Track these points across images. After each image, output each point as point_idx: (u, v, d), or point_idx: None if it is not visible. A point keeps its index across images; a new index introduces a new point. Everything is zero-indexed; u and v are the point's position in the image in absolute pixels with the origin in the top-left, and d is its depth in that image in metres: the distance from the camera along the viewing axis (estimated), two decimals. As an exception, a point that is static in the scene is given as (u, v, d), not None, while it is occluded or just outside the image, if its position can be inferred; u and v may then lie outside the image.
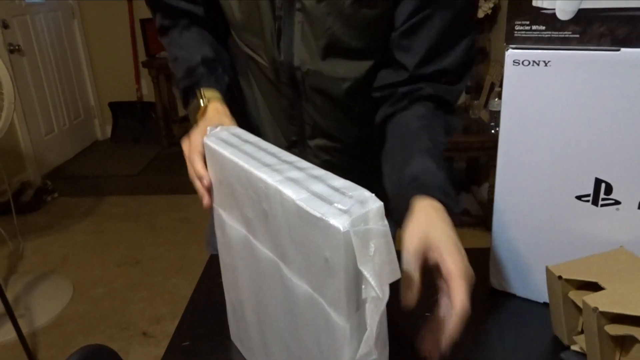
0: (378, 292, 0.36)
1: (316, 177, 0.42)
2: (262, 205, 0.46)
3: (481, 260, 0.76)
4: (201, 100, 0.72)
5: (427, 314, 0.72)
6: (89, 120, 3.98)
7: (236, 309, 0.63)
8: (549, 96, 0.63)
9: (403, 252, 0.49)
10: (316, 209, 0.37)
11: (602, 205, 0.64)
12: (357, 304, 0.38)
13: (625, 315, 0.52)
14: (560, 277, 0.61)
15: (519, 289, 0.74)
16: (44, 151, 3.41)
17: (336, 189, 0.40)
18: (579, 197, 0.65)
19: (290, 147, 0.85)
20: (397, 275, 0.38)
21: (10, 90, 1.78)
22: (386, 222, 0.38)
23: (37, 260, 2.44)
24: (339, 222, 0.35)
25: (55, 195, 3.15)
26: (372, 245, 0.36)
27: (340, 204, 0.37)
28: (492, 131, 2.17)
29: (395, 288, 0.40)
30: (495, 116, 2.17)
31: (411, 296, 0.48)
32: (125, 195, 3.11)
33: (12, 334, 1.84)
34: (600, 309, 0.53)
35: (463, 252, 0.50)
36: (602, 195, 0.64)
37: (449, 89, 0.71)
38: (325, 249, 0.37)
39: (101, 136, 4.03)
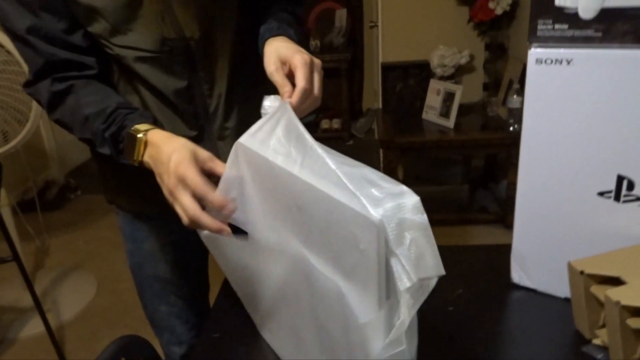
0: (414, 281, 0.38)
1: (351, 169, 0.44)
2: (295, 202, 0.48)
3: (503, 256, 0.78)
4: (139, 135, 0.66)
5: (450, 308, 0.73)
6: (109, 119, 4.04)
7: (257, 304, 0.64)
8: (572, 94, 0.64)
9: (267, 70, 0.68)
10: (350, 201, 0.39)
11: (624, 202, 0.65)
12: (387, 293, 0.40)
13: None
14: (582, 272, 0.62)
15: (541, 284, 0.75)
16: (67, 150, 3.48)
17: (370, 182, 0.41)
18: (601, 194, 0.66)
19: (196, 135, 0.82)
20: (440, 271, 0.40)
21: (37, 90, 1.82)
22: (424, 215, 0.40)
23: (63, 256, 2.50)
24: (373, 212, 0.37)
25: (79, 192, 3.21)
26: (408, 235, 0.38)
27: (375, 195, 0.39)
28: (510, 128, 2.16)
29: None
30: (514, 113, 2.16)
31: (286, 91, 0.64)
32: (146, 192, 3.16)
33: (40, 328, 1.89)
34: (623, 303, 0.54)
35: (304, 52, 0.68)
36: (624, 192, 0.65)
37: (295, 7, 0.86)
38: (360, 240, 0.39)
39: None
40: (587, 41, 0.62)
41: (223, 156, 0.57)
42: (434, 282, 0.40)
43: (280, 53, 0.68)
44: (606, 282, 0.61)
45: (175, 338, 0.96)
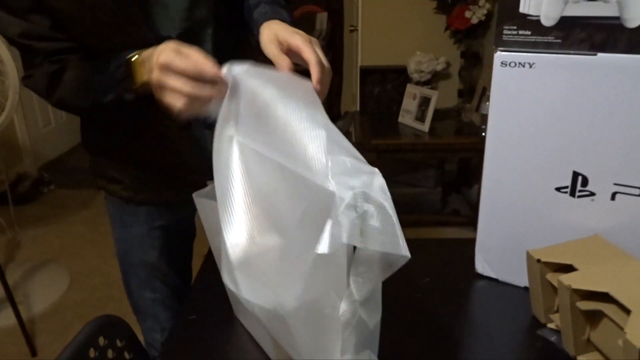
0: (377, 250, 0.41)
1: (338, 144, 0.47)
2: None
3: (469, 249, 0.82)
4: (134, 58, 0.67)
5: (417, 295, 0.77)
6: (86, 114, 4.00)
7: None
8: (533, 96, 0.69)
9: (265, 50, 0.70)
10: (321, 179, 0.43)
11: (579, 197, 0.70)
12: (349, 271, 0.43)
13: (595, 293, 0.58)
14: (539, 260, 0.67)
15: (502, 274, 0.80)
16: (41, 143, 3.43)
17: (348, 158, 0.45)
18: (558, 189, 0.71)
19: (185, 125, 0.83)
20: (399, 249, 0.43)
21: (15, 81, 1.82)
22: (388, 195, 0.43)
23: (35, 249, 2.47)
24: (341, 189, 0.41)
25: (52, 187, 3.17)
26: (373, 211, 0.41)
27: (348, 170, 0.43)
28: (483, 134, 2.23)
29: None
30: (486, 119, 2.23)
31: (284, 63, 0.66)
32: (122, 188, 3.14)
33: (11, 320, 1.87)
34: (573, 287, 0.59)
35: (302, 33, 0.69)
36: (579, 187, 0.70)
37: None
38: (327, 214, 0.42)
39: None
40: (548, 46, 0.67)
41: (210, 145, 0.60)
42: (396, 266, 0.43)
43: (278, 34, 0.70)
44: (561, 270, 0.66)
45: (158, 325, 0.98)
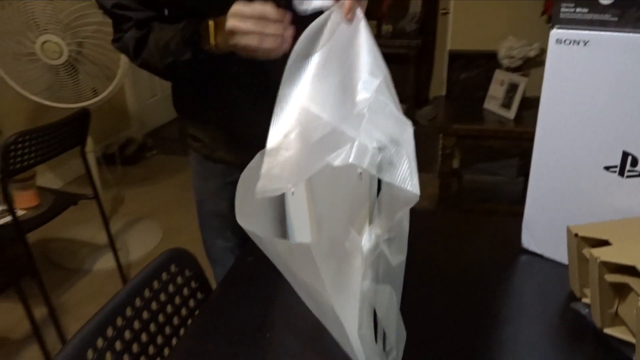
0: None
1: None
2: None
3: (514, 221, 0.85)
4: (210, 21, 0.77)
5: (459, 262, 0.81)
6: (188, 88, 4.31)
7: None
8: (586, 74, 0.70)
9: None
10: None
11: (627, 177, 0.70)
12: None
13: (624, 267, 0.60)
14: (576, 235, 0.69)
15: (547, 250, 0.81)
16: (147, 112, 3.77)
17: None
18: (607, 168, 0.72)
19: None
20: (407, 185, 0.47)
21: (126, 51, 2.03)
22: (412, 144, 0.49)
23: (135, 206, 2.76)
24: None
25: (154, 152, 3.49)
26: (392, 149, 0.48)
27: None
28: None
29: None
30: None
31: None
32: (214, 158, 3.38)
33: (111, 263, 2.13)
34: (602, 259, 0.61)
35: None
36: (628, 167, 0.70)
37: None
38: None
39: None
40: (603, 25, 0.67)
41: None
42: (412, 203, 0.49)
43: None
44: (598, 245, 0.67)
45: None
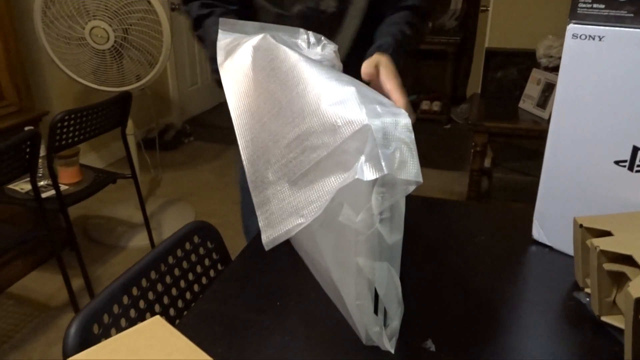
0: (386, 173, 0.49)
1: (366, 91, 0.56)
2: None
3: (527, 213, 0.86)
4: None
5: (468, 248, 0.83)
6: (227, 78, 4.42)
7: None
8: (600, 68, 0.71)
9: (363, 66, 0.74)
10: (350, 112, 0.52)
11: (637, 171, 0.71)
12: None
13: (623, 256, 0.61)
14: (581, 226, 0.70)
15: (556, 242, 0.83)
16: (188, 100, 3.88)
17: (377, 101, 0.54)
18: (617, 162, 0.73)
19: None
20: (419, 178, 0.50)
21: (168, 39, 2.12)
22: (412, 134, 0.52)
23: (170, 189, 2.86)
24: (369, 121, 0.50)
25: (192, 138, 3.60)
26: (394, 145, 0.50)
27: (376, 110, 0.52)
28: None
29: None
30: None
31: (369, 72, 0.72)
32: (249, 147, 3.46)
33: (145, 241, 2.23)
34: (601, 248, 0.63)
35: (396, 76, 0.72)
36: (637, 162, 0.71)
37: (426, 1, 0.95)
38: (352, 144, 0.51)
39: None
40: (619, 20, 0.69)
41: None
42: (411, 188, 0.52)
43: (379, 63, 0.73)
44: (602, 236, 0.68)
45: None
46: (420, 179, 0.51)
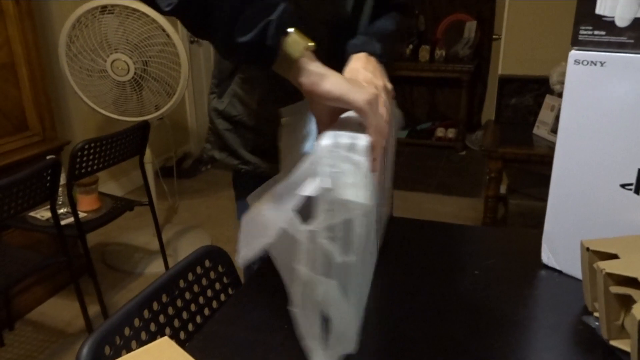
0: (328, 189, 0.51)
1: None
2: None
3: (539, 237, 0.86)
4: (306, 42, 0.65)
5: (475, 272, 0.83)
6: (244, 107, 4.51)
7: None
8: (603, 93, 0.72)
9: None
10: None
11: (643, 195, 0.71)
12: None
13: (629, 278, 0.61)
14: (588, 249, 0.70)
15: (566, 266, 0.82)
16: (205, 129, 3.95)
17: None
18: (623, 186, 0.73)
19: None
20: (367, 201, 0.52)
21: (186, 69, 2.18)
22: (362, 157, 0.54)
23: (187, 216, 2.90)
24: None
25: (209, 167, 3.65)
26: (345, 165, 0.52)
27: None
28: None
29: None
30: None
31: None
32: (265, 174, 3.52)
33: (161, 268, 2.26)
34: (607, 271, 0.62)
35: (372, 78, 0.71)
36: (643, 185, 0.71)
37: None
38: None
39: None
40: (621, 46, 0.70)
41: None
42: (361, 211, 0.52)
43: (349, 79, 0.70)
44: (608, 259, 0.68)
45: None
46: (369, 202, 0.52)
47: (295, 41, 0.64)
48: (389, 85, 0.73)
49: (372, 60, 0.77)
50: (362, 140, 0.54)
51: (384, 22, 0.90)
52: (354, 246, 0.55)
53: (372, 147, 0.61)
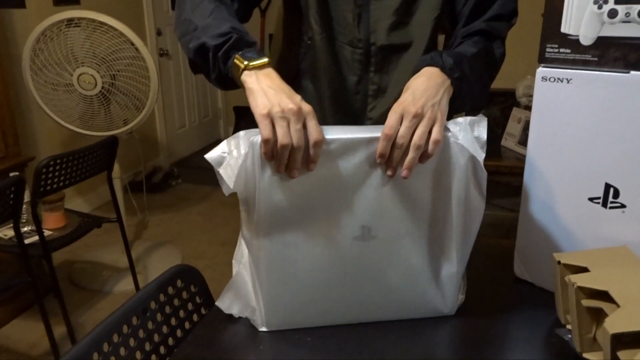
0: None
1: None
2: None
3: (508, 249, 0.87)
4: (262, 59, 0.71)
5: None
6: (215, 120, 4.47)
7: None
8: (570, 110, 0.74)
9: None
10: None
11: (610, 208, 0.73)
12: None
13: (599, 292, 0.62)
14: (559, 262, 0.71)
15: (538, 279, 0.84)
16: (175, 142, 3.90)
17: None
18: (591, 199, 0.75)
19: (349, 122, 0.95)
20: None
21: (155, 83, 2.15)
22: (247, 151, 0.64)
23: (158, 231, 2.84)
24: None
25: (179, 180, 3.60)
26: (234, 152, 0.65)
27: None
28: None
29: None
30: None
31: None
32: (237, 188, 3.47)
33: (130, 286, 2.20)
34: (578, 284, 0.63)
35: (417, 94, 0.69)
36: (610, 199, 0.73)
37: (497, 24, 0.88)
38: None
39: (224, 135, 4.50)
40: (585, 64, 0.72)
41: None
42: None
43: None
44: (579, 272, 0.69)
45: None
46: (232, 184, 0.65)
47: (235, 65, 0.73)
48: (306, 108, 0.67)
49: (427, 75, 0.73)
50: (257, 138, 0.64)
51: (463, 45, 0.86)
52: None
53: (279, 150, 0.64)
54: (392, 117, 0.66)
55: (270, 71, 0.71)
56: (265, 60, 0.71)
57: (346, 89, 0.95)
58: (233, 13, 0.82)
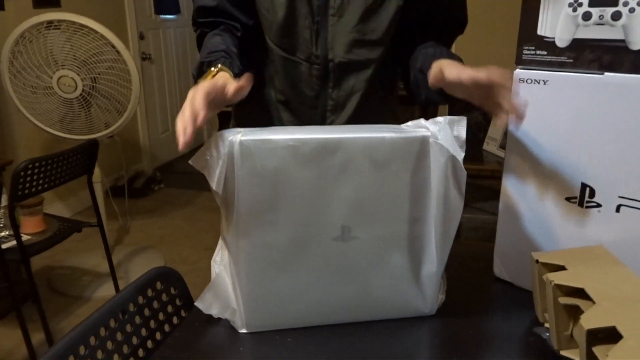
0: None
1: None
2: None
3: (491, 251, 0.88)
4: (213, 68, 0.81)
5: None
6: (199, 125, 4.45)
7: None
8: (547, 110, 0.75)
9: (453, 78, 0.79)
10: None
11: (586, 207, 0.74)
12: None
13: (576, 289, 0.63)
14: (537, 261, 0.72)
15: (517, 279, 0.84)
16: (158, 147, 3.87)
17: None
18: (568, 199, 0.76)
19: None
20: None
21: (137, 87, 2.13)
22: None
23: (140, 236, 2.81)
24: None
25: (162, 185, 3.57)
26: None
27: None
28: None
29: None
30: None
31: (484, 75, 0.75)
32: (220, 192, 3.46)
33: (112, 292, 2.17)
34: (556, 282, 0.64)
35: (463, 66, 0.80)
36: (586, 198, 0.74)
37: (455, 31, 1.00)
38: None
39: (207, 140, 4.47)
40: (561, 66, 0.73)
41: None
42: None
43: (442, 66, 0.80)
44: (557, 271, 0.70)
45: None
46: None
47: (205, 75, 0.82)
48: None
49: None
50: (236, 137, 0.66)
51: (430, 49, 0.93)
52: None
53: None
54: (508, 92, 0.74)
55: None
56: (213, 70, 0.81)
57: (305, 103, 0.97)
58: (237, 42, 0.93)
